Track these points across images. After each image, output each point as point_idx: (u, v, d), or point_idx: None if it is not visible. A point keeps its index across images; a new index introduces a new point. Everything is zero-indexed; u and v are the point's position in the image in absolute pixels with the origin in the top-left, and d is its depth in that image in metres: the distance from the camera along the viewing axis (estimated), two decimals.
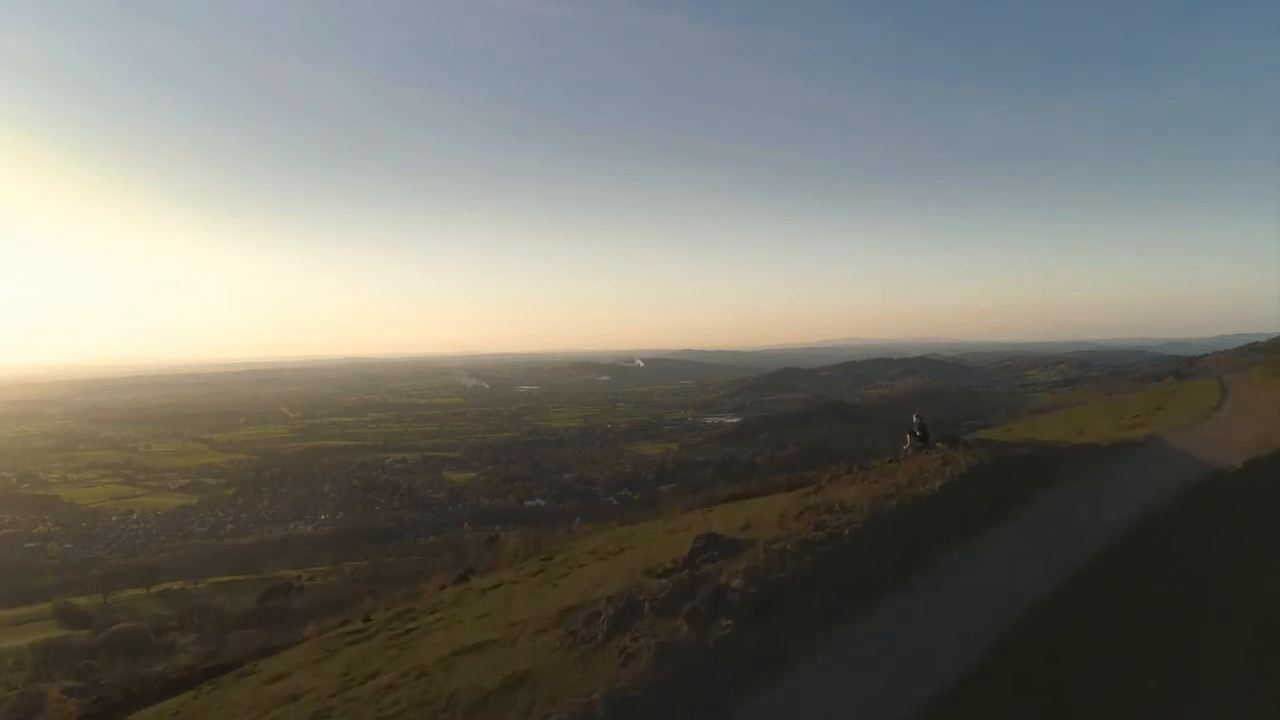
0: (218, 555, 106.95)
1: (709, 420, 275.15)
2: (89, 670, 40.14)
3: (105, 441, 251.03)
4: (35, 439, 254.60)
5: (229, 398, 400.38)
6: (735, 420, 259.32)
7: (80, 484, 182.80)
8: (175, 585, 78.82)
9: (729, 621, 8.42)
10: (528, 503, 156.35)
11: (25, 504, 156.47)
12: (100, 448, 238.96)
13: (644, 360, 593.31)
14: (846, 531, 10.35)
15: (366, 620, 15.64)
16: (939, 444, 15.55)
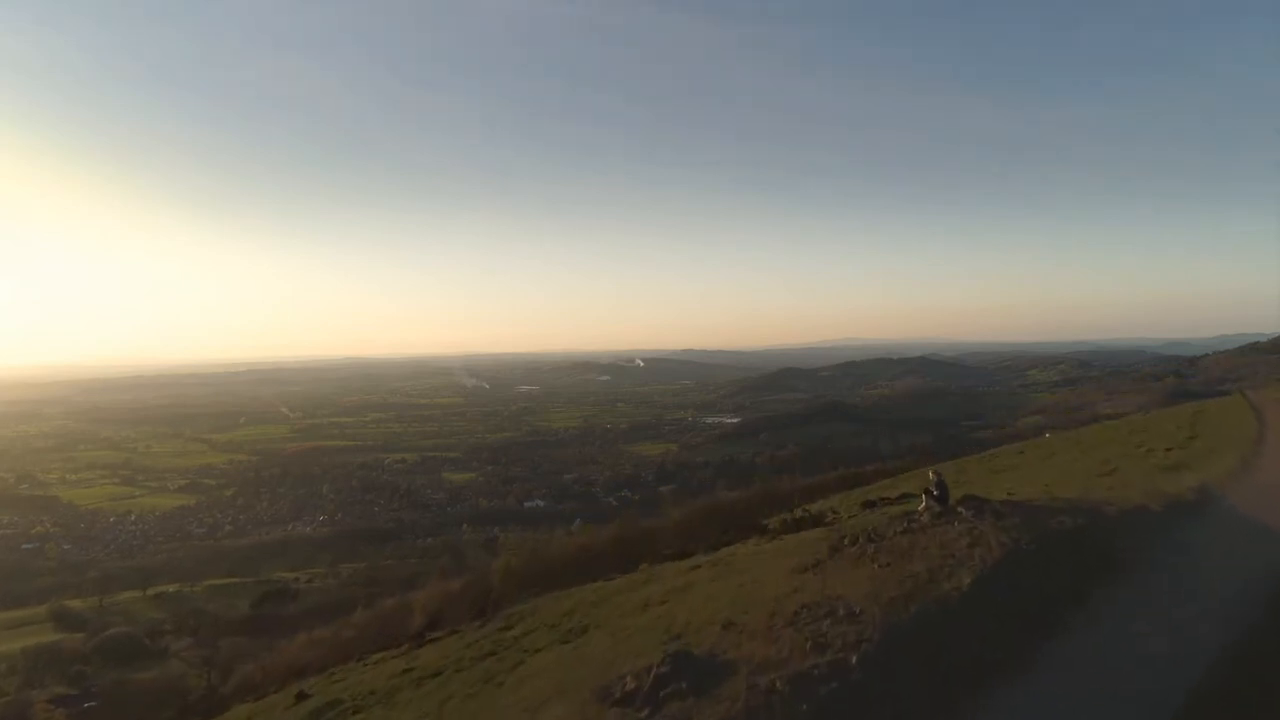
0: (216, 557, 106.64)
1: (709, 420, 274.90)
2: (80, 677, 39.85)
3: (105, 442, 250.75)
4: (35, 439, 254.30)
5: (229, 398, 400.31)
6: (735, 420, 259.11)
7: (79, 484, 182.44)
8: (171, 588, 78.51)
9: None
10: (527, 504, 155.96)
11: (24, 505, 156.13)
12: (100, 448, 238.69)
13: (644, 360, 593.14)
14: (854, 658, 7.90)
15: (298, 698, 14.55)
16: (960, 509, 13.08)
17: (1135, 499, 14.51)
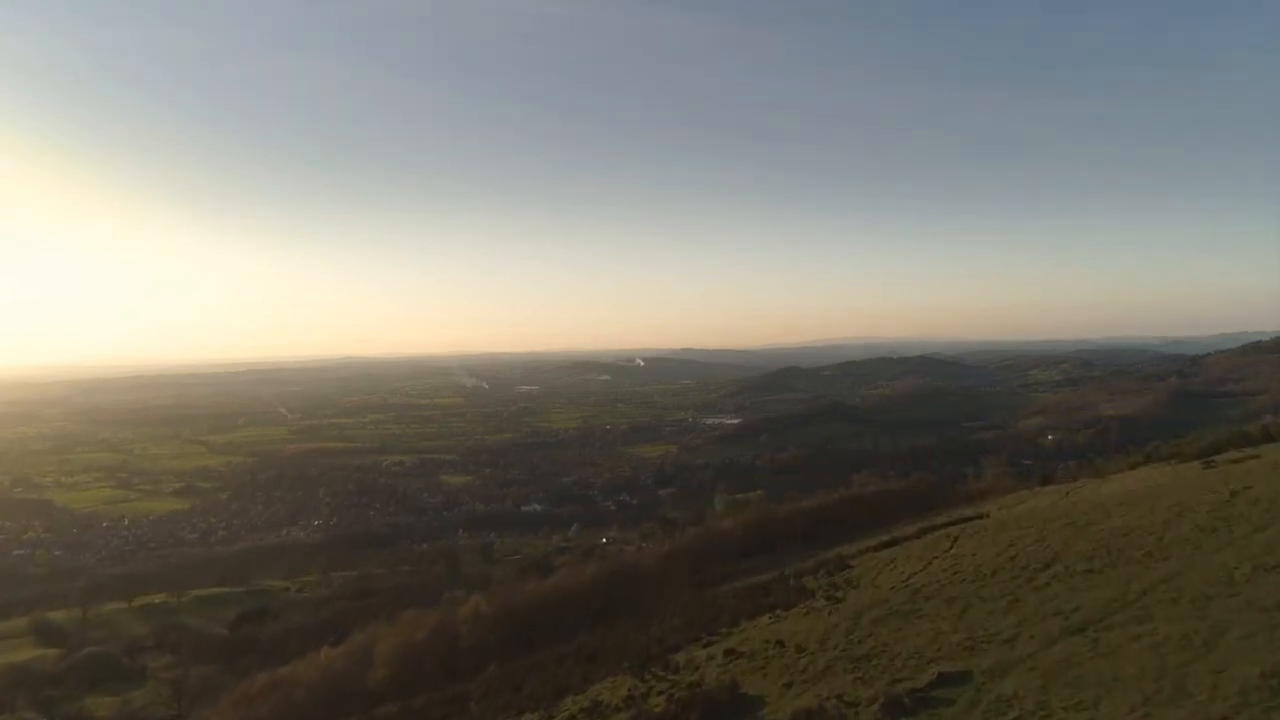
0: (208, 563, 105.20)
1: (709, 421, 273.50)
2: (50, 702, 38.30)
3: (102, 444, 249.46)
4: (33, 441, 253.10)
5: (228, 398, 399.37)
6: (736, 421, 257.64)
7: (74, 487, 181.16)
8: (158, 599, 76.96)
9: None
10: (524, 507, 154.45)
11: (17, 509, 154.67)
12: (97, 450, 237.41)
13: (644, 360, 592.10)
14: None
15: None
16: None
17: None
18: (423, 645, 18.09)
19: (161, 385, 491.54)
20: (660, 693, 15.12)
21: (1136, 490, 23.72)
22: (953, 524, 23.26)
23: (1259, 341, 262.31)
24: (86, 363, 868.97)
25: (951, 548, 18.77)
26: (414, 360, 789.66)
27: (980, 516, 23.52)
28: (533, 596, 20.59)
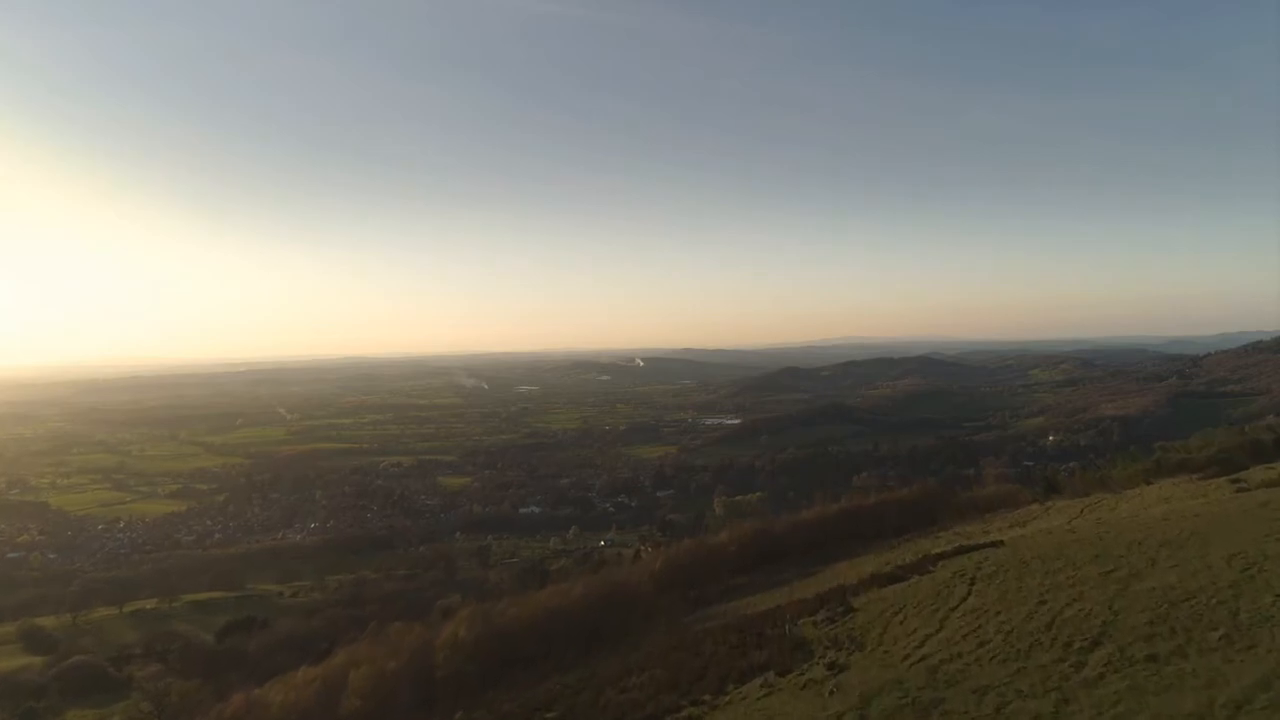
0: (202, 567, 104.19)
1: (709, 421, 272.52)
2: (31, 714, 37.37)
3: (99, 445, 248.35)
4: (30, 442, 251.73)
5: (227, 398, 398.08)
6: (735, 422, 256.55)
7: (70, 489, 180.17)
8: (150, 604, 76.09)
9: None
10: (522, 510, 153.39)
11: (12, 511, 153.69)
12: (94, 451, 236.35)
13: (644, 360, 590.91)
14: None
15: None
16: None
17: None
18: (398, 674, 17.19)
19: (160, 386, 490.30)
20: None
21: (1169, 519, 21.47)
22: (963, 551, 21.52)
23: (1259, 341, 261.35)
24: (85, 363, 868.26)
25: (969, 595, 16.84)
26: (414, 360, 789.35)
27: (994, 544, 21.57)
28: (516, 619, 19.65)
